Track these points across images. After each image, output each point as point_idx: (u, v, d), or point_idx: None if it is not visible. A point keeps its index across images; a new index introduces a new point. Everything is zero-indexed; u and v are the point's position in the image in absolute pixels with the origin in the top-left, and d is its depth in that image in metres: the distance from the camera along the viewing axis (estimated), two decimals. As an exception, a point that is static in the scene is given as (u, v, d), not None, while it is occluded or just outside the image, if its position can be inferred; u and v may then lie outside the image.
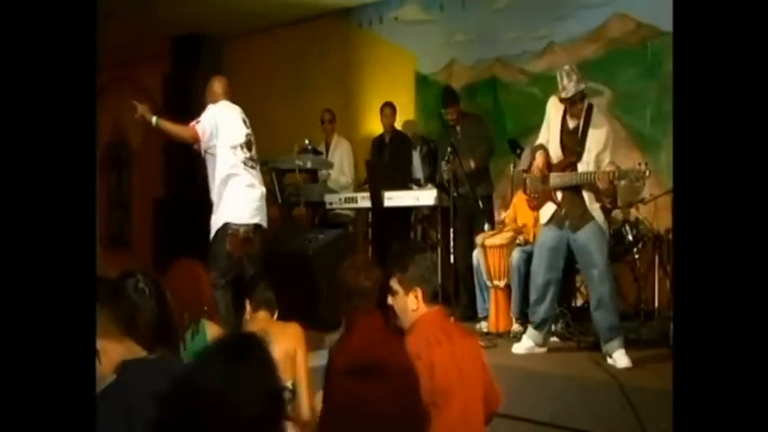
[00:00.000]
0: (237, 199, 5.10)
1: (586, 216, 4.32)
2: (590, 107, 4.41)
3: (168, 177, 9.22)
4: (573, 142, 4.37)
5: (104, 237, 10.36)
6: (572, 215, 4.37)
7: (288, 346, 3.16)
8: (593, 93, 6.23)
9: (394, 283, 2.68)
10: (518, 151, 5.91)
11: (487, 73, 7.03)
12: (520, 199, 5.61)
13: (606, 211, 4.55)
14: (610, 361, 4.23)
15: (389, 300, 2.70)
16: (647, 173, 4.15)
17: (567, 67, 4.39)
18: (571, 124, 4.41)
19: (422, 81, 7.65)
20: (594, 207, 4.35)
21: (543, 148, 4.49)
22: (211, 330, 3.18)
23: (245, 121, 5.22)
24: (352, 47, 8.13)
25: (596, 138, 4.32)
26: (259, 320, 3.35)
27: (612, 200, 4.47)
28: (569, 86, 4.29)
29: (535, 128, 6.75)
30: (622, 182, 4.40)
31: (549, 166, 4.44)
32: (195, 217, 5.73)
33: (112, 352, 1.90)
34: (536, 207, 4.61)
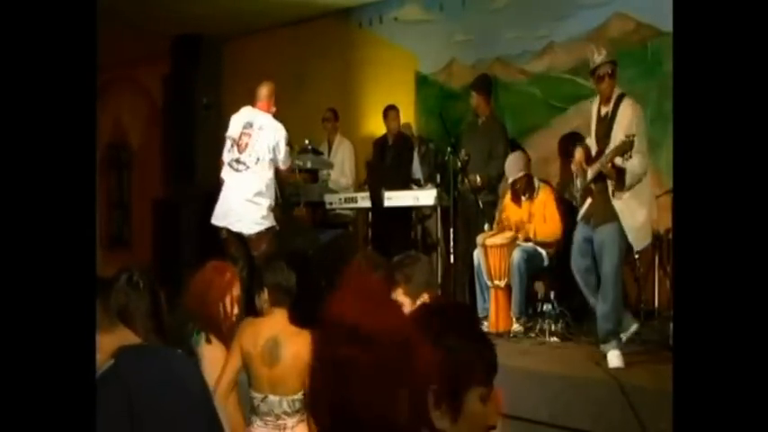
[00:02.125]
0: (219, 201, 5.32)
1: (609, 214, 4.23)
2: (621, 95, 4.37)
3: (168, 177, 9.23)
4: (603, 130, 4.35)
5: (104, 237, 10.36)
6: (596, 211, 4.33)
7: (299, 350, 2.82)
8: (594, 93, 6.25)
9: (399, 296, 2.61)
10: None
11: (487, 73, 7.04)
12: (508, 204, 5.60)
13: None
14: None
15: None
16: (633, 142, 3.99)
17: (593, 46, 4.56)
18: (603, 111, 4.41)
19: (422, 81, 7.65)
20: (619, 197, 4.19)
21: (583, 144, 4.50)
22: (205, 351, 2.89)
23: (249, 125, 5.30)
24: (352, 47, 8.13)
25: (623, 123, 4.23)
26: (276, 321, 2.94)
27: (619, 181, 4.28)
28: (597, 59, 4.36)
29: (535, 128, 6.81)
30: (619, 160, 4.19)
31: (588, 160, 4.41)
32: (195, 217, 5.76)
33: (106, 345, 1.90)
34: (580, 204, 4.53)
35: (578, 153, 4.46)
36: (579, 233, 4.47)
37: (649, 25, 6.12)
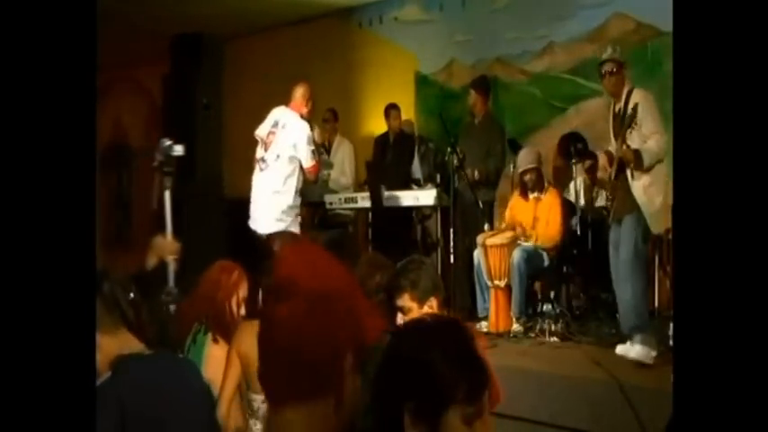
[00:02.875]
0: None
1: (630, 205, 4.24)
2: (631, 90, 4.37)
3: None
4: (619, 126, 4.35)
5: (104, 237, 10.35)
6: (618, 206, 4.33)
7: None
8: (594, 93, 6.27)
9: (405, 301, 2.58)
10: (518, 151, 5.92)
11: (487, 73, 7.04)
12: (516, 200, 5.63)
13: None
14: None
15: (399, 319, 2.59)
16: (636, 109, 4.09)
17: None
18: (617, 108, 4.42)
19: (422, 81, 7.65)
20: (639, 187, 4.19)
21: (606, 150, 4.50)
22: (211, 350, 2.92)
23: (276, 123, 5.36)
24: (353, 47, 8.13)
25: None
26: None
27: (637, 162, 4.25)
28: (604, 55, 4.41)
29: (535, 128, 6.82)
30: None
31: (611, 164, 4.40)
32: (196, 217, 5.74)
33: (107, 347, 1.90)
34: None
35: (602, 159, 4.49)
36: (611, 237, 4.42)
37: (649, 25, 6.13)
